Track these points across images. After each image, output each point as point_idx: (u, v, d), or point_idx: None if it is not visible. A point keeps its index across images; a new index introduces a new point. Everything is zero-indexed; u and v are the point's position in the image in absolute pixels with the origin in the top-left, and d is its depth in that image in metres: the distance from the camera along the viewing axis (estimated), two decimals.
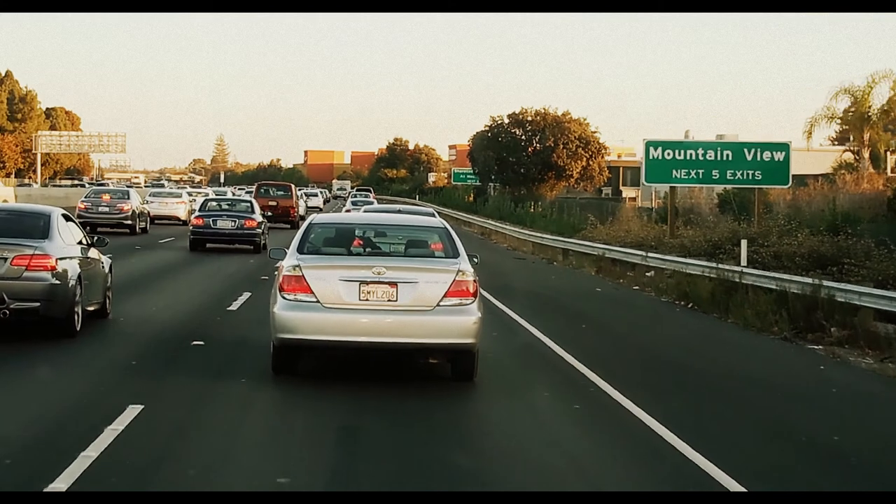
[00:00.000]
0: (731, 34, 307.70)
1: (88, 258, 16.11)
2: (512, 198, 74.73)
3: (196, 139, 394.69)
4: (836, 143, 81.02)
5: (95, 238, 17.42)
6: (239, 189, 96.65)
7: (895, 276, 22.38)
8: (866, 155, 51.92)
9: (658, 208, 52.86)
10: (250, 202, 38.18)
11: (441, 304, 12.14)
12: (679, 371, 15.20)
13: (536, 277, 31.05)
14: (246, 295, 21.05)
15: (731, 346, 18.08)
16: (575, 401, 12.41)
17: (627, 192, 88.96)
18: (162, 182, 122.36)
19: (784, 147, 35.53)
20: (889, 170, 54.21)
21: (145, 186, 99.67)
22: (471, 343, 12.34)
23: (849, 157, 56.42)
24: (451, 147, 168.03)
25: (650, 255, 30.03)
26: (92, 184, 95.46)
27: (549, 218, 57.03)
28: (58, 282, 14.38)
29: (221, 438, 9.99)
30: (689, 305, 23.24)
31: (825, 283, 20.08)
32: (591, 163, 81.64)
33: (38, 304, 14.18)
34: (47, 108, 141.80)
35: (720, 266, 24.23)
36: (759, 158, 35.03)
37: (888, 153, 55.12)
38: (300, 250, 12.72)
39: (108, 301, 17.23)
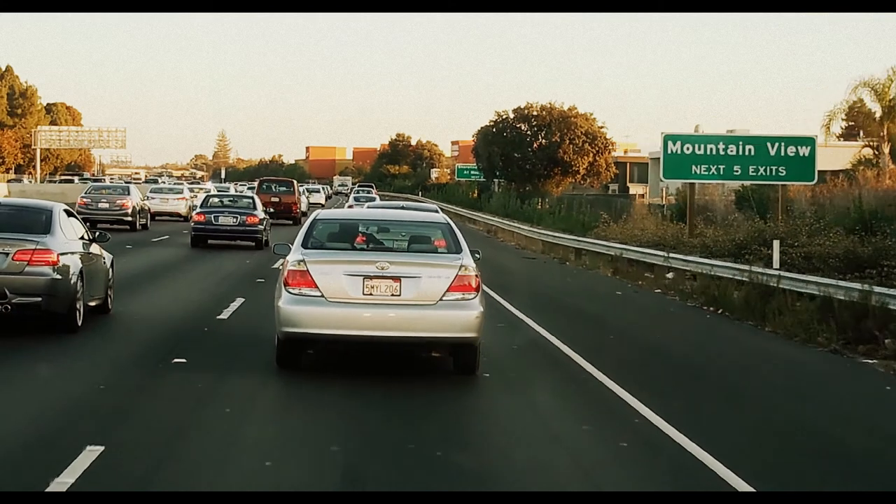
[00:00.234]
0: (730, 34, 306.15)
1: (90, 254, 16.11)
2: (517, 194, 72.81)
3: (198, 135, 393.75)
4: (840, 138, 79.15)
5: (97, 233, 17.44)
6: (241, 185, 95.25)
7: None
8: (886, 150, 50.16)
9: (669, 205, 51.10)
10: (252, 198, 37.85)
11: (444, 298, 12.26)
12: (732, 394, 13.38)
13: (551, 280, 29.29)
14: (238, 301, 19.24)
15: (778, 362, 16.17)
16: (621, 436, 10.53)
17: (635, 189, 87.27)
18: (154, 178, 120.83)
19: (809, 141, 33.78)
20: None
21: (145, 182, 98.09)
22: (473, 337, 12.46)
23: (867, 152, 54.52)
24: (453, 143, 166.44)
25: (672, 255, 28.22)
26: (89, 179, 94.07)
27: (558, 215, 55.14)
28: (59, 277, 14.39)
29: (201, 487, 8.21)
30: (720, 311, 21.43)
31: (876, 289, 18.26)
32: (597, 159, 79.68)
33: (39, 298, 14.19)
34: (48, 104, 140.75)
35: (753, 269, 22.36)
36: (782, 153, 33.25)
37: None
38: (305, 245, 12.85)
39: (109, 297, 17.17)
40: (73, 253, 15.10)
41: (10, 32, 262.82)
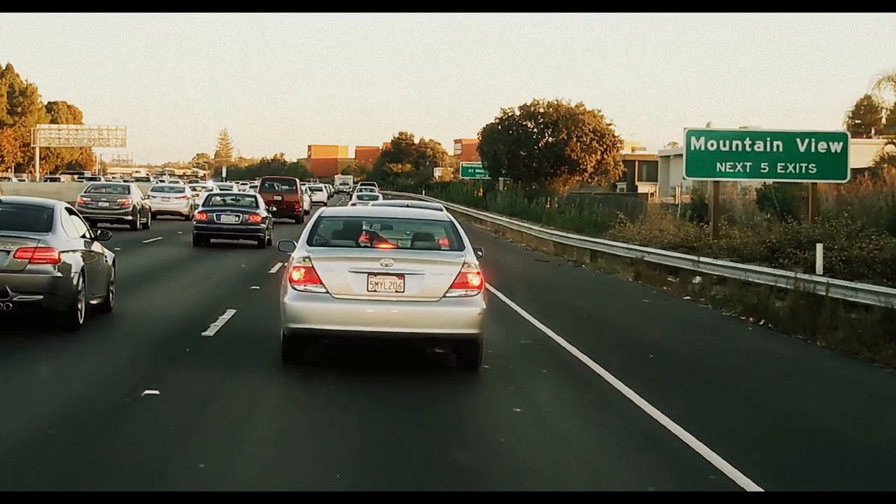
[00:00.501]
0: (731, 33, 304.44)
1: (91, 252, 16.03)
2: (524, 193, 70.72)
3: (199, 134, 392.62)
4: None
5: (98, 232, 17.42)
6: (242, 184, 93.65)
7: None
8: None
9: (685, 205, 49.06)
10: (254, 197, 37.79)
11: (447, 295, 12.37)
12: (814, 436, 11.36)
13: (570, 285, 27.29)
14: (229, 313, 17.15)
15: (852, 387, 14.03)
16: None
17: (643, 188, 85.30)
18: (147, 176, 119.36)
19: (842, 137, 31.88)
20: None
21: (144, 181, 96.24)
22: (475, 333, 12.54)
23: (891, 148, 52.48)
24: (456, 141, 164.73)
25: (702, 259, 26.18)
26: (83, 178, 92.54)
27: (567, 214, 53.00)
28: (61, 275, 14.37)
29: None
30: (761, 322, 19.33)
31: None
32: (605, 156, 77.63)
33: (41, 296, 14.16)
34: (49, 103, 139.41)
35: (799, 276, 20.25)
36: (813, 150, 31.27)
37: None
38: (310, 242, 12.97)
39: (111, 295, 17.03)
40: (74, 251, 15.09)
41: (10, 32, 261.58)
